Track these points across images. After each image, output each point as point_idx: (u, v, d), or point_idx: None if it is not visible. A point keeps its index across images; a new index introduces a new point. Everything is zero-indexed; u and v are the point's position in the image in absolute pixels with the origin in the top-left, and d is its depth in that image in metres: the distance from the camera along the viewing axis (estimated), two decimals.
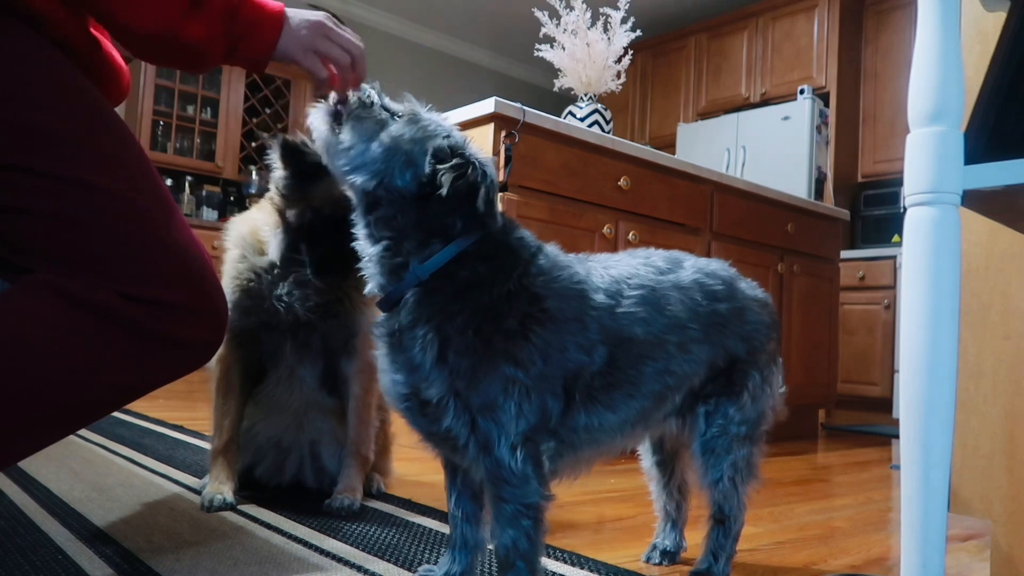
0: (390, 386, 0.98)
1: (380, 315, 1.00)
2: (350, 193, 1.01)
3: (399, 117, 0.99)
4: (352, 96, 1.02)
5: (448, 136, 0.97)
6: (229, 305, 1.48)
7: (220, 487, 1.50)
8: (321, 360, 1.59)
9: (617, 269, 1.06)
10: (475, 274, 0.94)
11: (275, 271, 1.50)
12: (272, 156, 1.47)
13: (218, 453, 1.55)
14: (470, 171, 0.93)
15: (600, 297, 1.01)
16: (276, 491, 1.62)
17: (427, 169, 0.94)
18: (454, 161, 0.93)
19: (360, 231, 1.00)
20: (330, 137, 1.00)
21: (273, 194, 1.50)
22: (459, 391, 0.91)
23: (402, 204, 0.96)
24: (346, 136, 0.98)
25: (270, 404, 1.61)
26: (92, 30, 1.05)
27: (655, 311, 1.04)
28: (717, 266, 1.17)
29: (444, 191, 0.91)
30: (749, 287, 1.19)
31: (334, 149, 1.00)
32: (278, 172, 1.48)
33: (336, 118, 1.01)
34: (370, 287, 1.00)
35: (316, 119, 1.02)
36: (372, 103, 1.01)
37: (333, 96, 1.04)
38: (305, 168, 1.42)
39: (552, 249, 1.03)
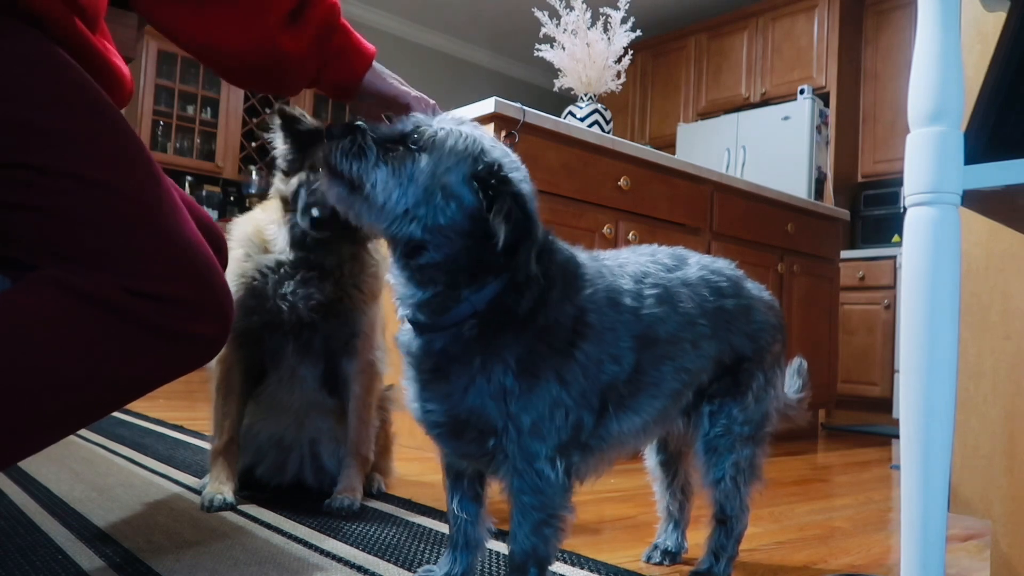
0: (422, 415, 0.94)
1: (408, 339, 0.94)
2: (387, 240, 0.93)
3: (415, 145, 0.89)
4: (331, 145, 0.89)
5: (482, 152, 0.90)
6: (234, 304, 1.49)
7: (220, 487, 1.50)
8: (322, 361, 1.60)
9: (631, 267, 1.05)
10: (533, 299, 0.90)
11: (281, 270, 1.51)
12: (273, 128, 1.53)
13: (218, 453, 1.55)
14: (520, 217, 0.85)
15: (627, 301, 1.00)
16: (276, 491, 1.62)
17: (474, 200, 0.87)
18: (505, 207, 0.85)
19: (398, 275, 0.92)
20: (353, 198, 0.89)
21: (277, 178, 1.55)
22: (512, 414, 0.90)
23: (448, 241, 0.88)
24: (372, 190, 0.87)
25: (271, 404, 1.61)
26: (95, 34, 1.05)
27: (671, 309, 1.04)
28: (722, 264, 1.17)
29: (500, 243, 0.84)
30: (756, 288, 1.19)
31: (361, 211, 0.89)
32: (280, 147, 1.53)
33: (346, 178, 0.88)
34: (404, 313, 0.93)
35: (330, 191, 0.91)
36: (371, 143, 0.88)
37: (323, 157, 0.91)
38: (303, 136, 1.49)
39: (582, 255, 1.02)
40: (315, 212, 1.46)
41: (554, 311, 0.91)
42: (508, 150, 0.94)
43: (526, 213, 0.86)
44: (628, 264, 1.06)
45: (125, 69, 1.12)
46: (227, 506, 1.46)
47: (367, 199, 0.88)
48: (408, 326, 0.94)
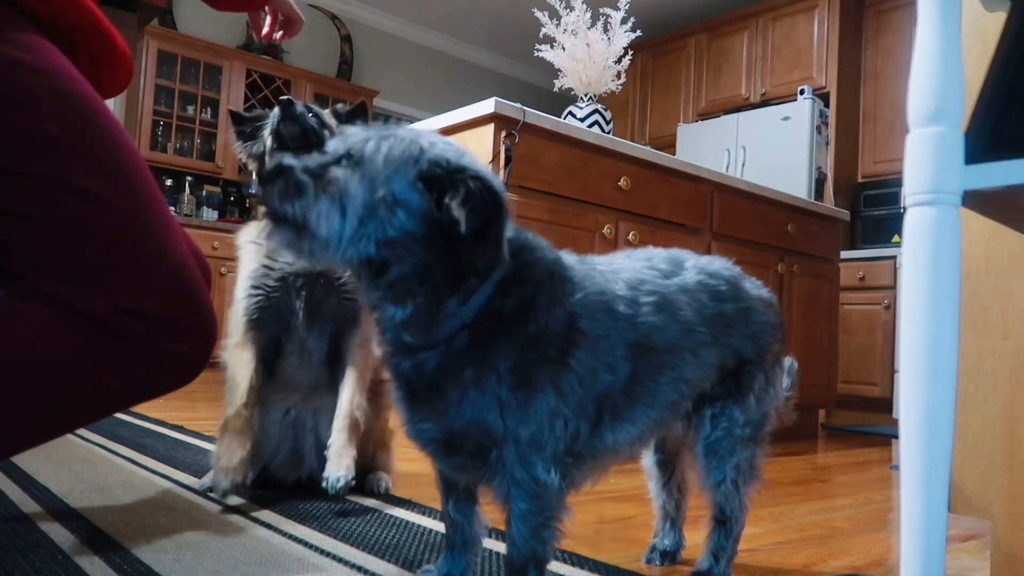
0: (417, 434, 0.93)
1: (398, 360, 0.91)
2: (347, 268, 0.90)
3: (343, 163, 0.84)
4: (268, 189, 0.84)
5: (420, 151, 0.84)
6: (250, 274, 1.57)
7: (231, 465, 1.51)
8: (328, 333, 1.62)
9: (626, 273, 1.02)
10: (520, 302, 0.88)
11: None
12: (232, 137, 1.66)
13: (229, 428, 1.55)
14: (481, 201, 0.81)
15: (621, 307, 0.97)
16: (288, 489, 1.64)
17: (423, 201, 0.82)
18: (461, 191, 0.81)
19: (370, 296, 0.89)
20: (300, 241, 0.84)
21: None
22: (509, 428, 0.88)
23: (410, 253, 0.83)
24: (316, 226, 0.82)
25: (285, 384, 1.64)
26: (95, 13, 1.04)
27: (669, 318, 1.02)
28: (720, 265, 1.15)
29: (463, 228, 0.80)
30: (754, 286, 1.18)
31: (312, 251, 0.84)
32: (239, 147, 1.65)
33: (289, 221, 0.83)
34: (389, 337, 0.90)
35: (275, 238, 0.86)
36: (305, 176, 0.83)
37: (261, 204, 0.86)
38: (253, 129, 1.67)
39: (570, 258, 0.99)
40: None
41: (544, 316, 0.89)
42: (451, 141, 0.89)
43: (489, 189, 0.82)
44: (623, 270, 1.03)
45: (125, 48, 1.11)
46: (240, 486, 1.50)
47: (314, 237, 0.83)
48: (393, 348, 0.91)
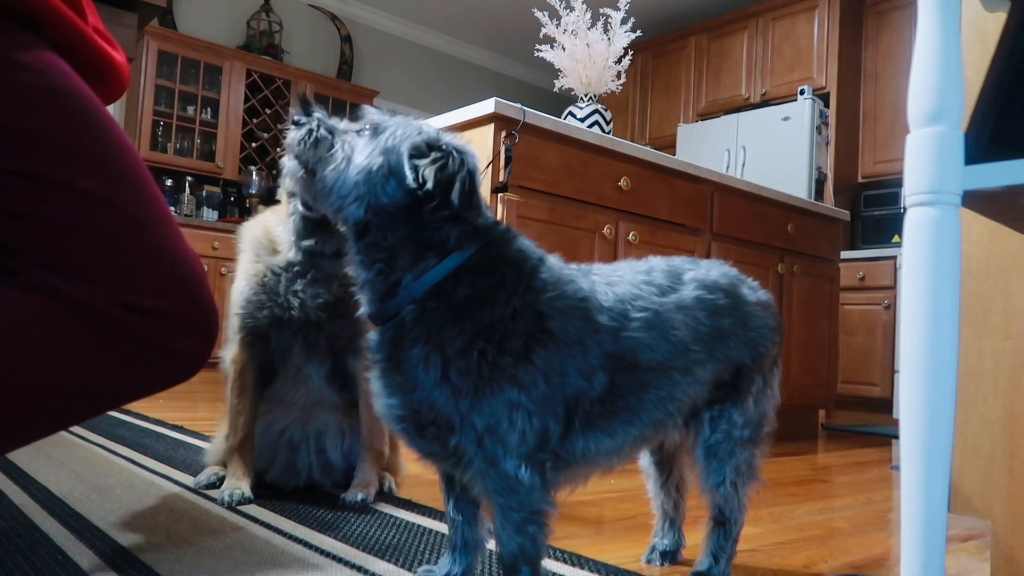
0: (385, 410, 0.96)
1: (372, 335, 0.97)
2: (342, 228, 0.98)
3: (363, 134, 0.96)
4: (295, 134, 0.97)
5: (420, 132, 0.94)
6: (243, 302, 1.55)
7: (238, 483, 1.54)
8: (328, 359, 1.64)
9: (621, 287, 1.02)
10: (475, 290, 0.92)
11: (293, 269, 1.55)
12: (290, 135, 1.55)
13: (234, 451, 1.59)
14: (450, 161, 0.90)
15: (603, 319, 0.98)
16: (284, 492, 1.64)
17: (409, 172, 0.91)
18: (434, 155, 0.91)
19: (352, 259, 0.97)
20: (308, 183, 0.97)
21: (287, 184, 1.55)
22: (463, 413, 0.90)
23: (392, 221, 0.93)
24: (322, 176, 0.95)
25: (278, 401, 1.66)
26: (91, 24, 1.04)
27: (660, 336, 1.01)
28: (718, 274, 1.13)
29: (430, 184, 0.89)
30: (751, 291, 1.16)
31: (316, 193, 0.96)
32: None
33: (307, 165, 0.97)
34: (363, 311, 0.98)
35: (292, 175, 0.99)
36: (327, 132, 0.97)
37: (294, 134, 0.98)
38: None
39: (554, 260, 1.00)
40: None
41: (501, 309, 0.91)
42: (449, 133, 0.98)
43: (459, 152, 0.91)
44: (619, 283, 1.03)
45: (122, 59, 1.11)
46: (246, 500, 1.51)
47: (320, 182, 0.95)
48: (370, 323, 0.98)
